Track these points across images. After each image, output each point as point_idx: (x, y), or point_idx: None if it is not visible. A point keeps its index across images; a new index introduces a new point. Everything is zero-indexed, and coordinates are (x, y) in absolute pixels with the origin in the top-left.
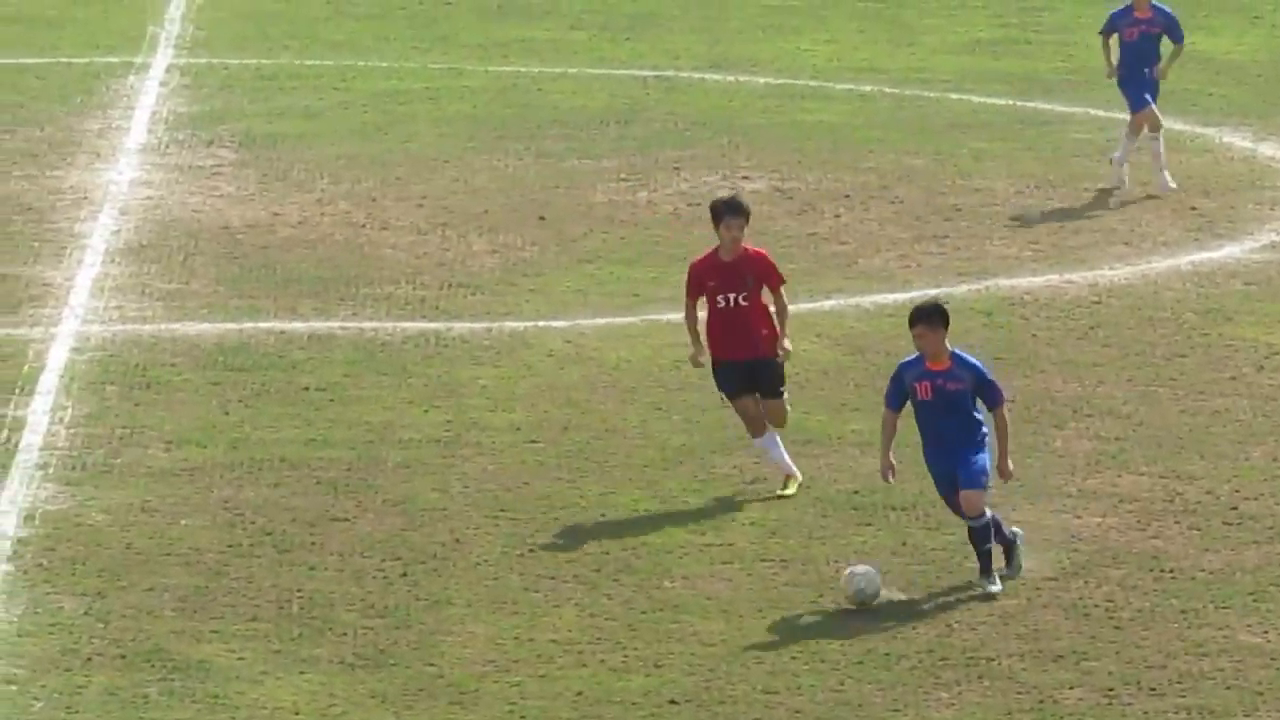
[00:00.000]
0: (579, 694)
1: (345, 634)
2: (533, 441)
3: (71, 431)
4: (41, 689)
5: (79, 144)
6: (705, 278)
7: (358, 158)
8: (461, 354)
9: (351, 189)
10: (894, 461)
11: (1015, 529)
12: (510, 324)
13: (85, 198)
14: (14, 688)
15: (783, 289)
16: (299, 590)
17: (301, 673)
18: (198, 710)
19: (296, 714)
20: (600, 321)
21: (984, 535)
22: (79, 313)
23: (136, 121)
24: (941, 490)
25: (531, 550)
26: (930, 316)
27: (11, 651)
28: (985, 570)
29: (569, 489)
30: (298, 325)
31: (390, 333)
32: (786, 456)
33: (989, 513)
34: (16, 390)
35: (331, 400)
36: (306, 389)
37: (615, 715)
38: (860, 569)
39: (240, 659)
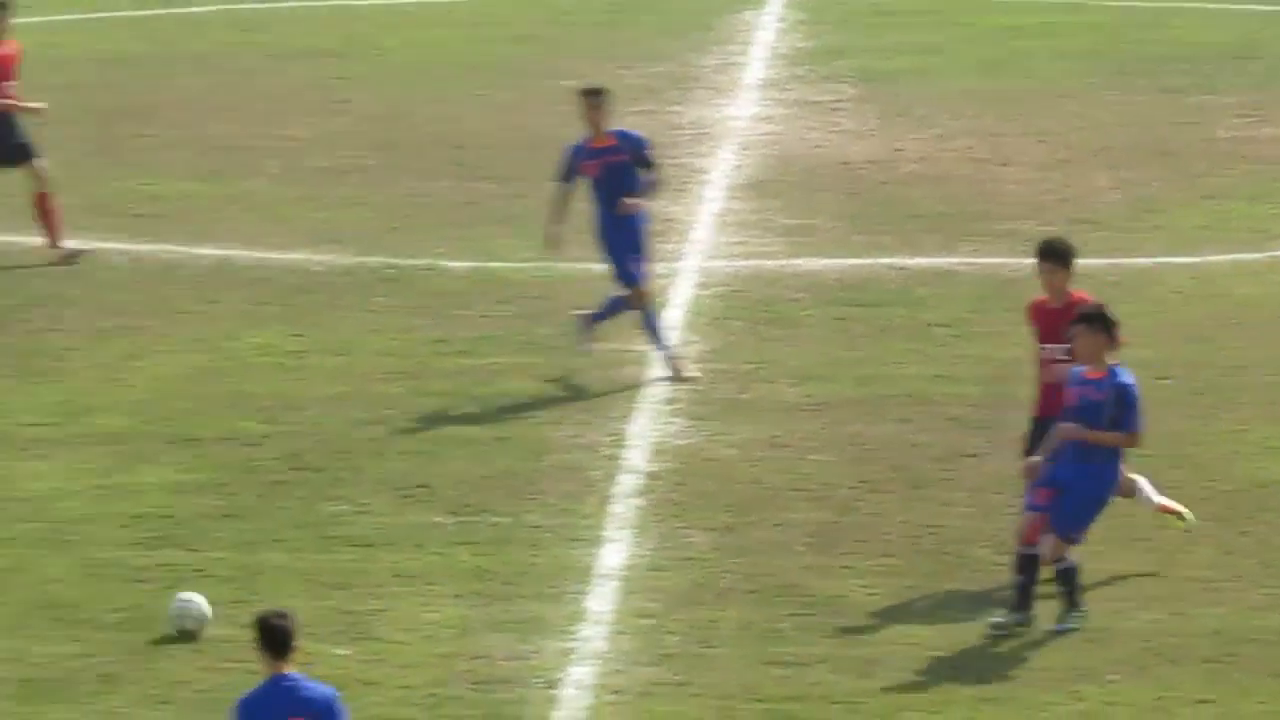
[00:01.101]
0: (1215, 632)
1: (979, 571)
2: (1161, 378)
3: (698, 366)
4: (676, 623)
5: (697, 79)
6: (1035, 322)
7: (977, 93)
8: (1088, 290)
9: (972, 124)
10: None
11: None
12: (1136, 261)
13: (705, 133)
14: (650, 621)
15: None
16: (930, 526)
17: (938, 608)
18: (833, 645)
19: (934, 650)
20: (1226, 258)
21: None
22: (702, 248)
23: (754, 57)
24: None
25: (1169, 485)
26: None
27: (646, 586)
28: None
29: (1199, 426)
30: (920, 261)
31: (1015, 269)
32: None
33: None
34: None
35: (957, 336)
36: (930, 325)
37: (1252, 654)
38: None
39: (873, 595)
